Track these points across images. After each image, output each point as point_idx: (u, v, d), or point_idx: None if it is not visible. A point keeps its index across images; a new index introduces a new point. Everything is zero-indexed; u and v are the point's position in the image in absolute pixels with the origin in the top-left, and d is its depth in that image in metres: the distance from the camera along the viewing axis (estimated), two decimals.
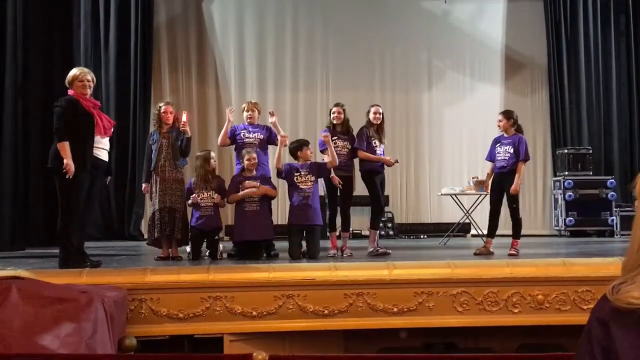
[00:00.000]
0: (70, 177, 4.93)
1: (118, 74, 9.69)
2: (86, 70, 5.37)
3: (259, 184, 6.07)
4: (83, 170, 5.04)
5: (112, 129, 5.48)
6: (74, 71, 5.32)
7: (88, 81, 5.23)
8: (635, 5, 10.37)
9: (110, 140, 5.45)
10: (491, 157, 6.55)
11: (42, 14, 8.58)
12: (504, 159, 6.34)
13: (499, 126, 6.49)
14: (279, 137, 6.34)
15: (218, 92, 10.35)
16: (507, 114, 6.52)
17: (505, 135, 6.45)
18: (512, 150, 6.33)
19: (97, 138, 5.20)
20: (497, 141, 6.51)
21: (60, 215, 5.08)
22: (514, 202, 6.35)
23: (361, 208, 8.74)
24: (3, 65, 7.60)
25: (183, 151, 6.16)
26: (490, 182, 6.58)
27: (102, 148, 5.31)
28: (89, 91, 5.25)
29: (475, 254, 6.25)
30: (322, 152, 6.47)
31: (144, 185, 6.32)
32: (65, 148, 4.96)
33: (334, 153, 6.21)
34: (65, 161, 4.92)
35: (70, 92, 5.22)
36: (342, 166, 6.44)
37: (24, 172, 7.94)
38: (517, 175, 6.31)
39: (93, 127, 5.16)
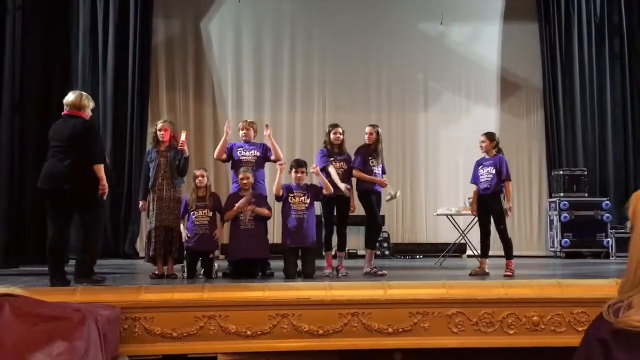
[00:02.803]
0: (105, 197, 5.31)
1: (116, 92, 9.73)
2: None
3: (253, 200, 6.07)
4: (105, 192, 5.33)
5: None
6: (87, 96, 5.51)
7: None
8: (629, 28, 10.48)
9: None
10: (475, 179, 6.57)
11: (41, 33, 8.62)
12: (487, 180, 6.37)
13: (481, 147, 6.53)
14: (277, 162, 6.34)
15: (215, 111, 10.40)
16: (490, 136, 6.57)
17: (487, 156, 6.49)
18: (494, 171, 6.36)
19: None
20: (479, 163, 6.54)
21: (86, 232, 5.36)
22: (501, 223, 6.36)
23: (357, 228, 8.73)
24: (1, 83, 7.63)
25: (181, 171, 6.18)
26: (475, 204, 6.60)
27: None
28: None
29: (470, 274, 6.25)
30: (322, 169, 6.48)
31: (140, 202, 6.32)
32: (101, 170, 5.22)
33: (327, 184, 6.23)
34: (102, 182, 5.19)
35: (83, 114, 5.37)
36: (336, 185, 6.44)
37: (18, 189, 7.92)
38: (508, 197, 6.35)
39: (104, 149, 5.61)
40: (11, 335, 3.47)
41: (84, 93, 5.56)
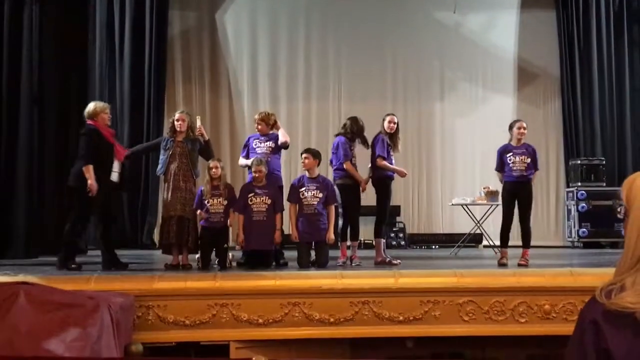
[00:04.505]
0: (93, 195, 5.70)
1: (132, 85, 9.81)
2: (107, 104, 6.32)
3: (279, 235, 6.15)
4: (100, 190, 5.76)
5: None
6: (100, 104, 6.17)
7: (110, 115, 6.17)
8: None
9: (122, 164, 6.18)
10: (502, 167, 6.47)
11: (58, 26, 8.70)
12: (521, 169, 6.30)
13: (523, 134, 6.41)
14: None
15: (231, 103, 10.44)
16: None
17: (514, 144, 6.42)
18: (529, 160, 6.32)
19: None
20: (507, 150, 6.40)
21: (71, 224, 5.92)
22: (528, 210, 6.35)
23: (372, 218, 8.73)
24: (19, 78, 7.72)
25: (207, 155, 6.41)
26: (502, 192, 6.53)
27: (114, 171, 6.02)
28: (109, 123, 6.18)
29: (502, 264, 6.13)
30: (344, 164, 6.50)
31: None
32: (90, 170, 5.71)
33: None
34: (89, 182, 5.67)
35: (94, 122, 5.96)
36: (351, 175, 6.46)
37: (38, 180, 8.04)
38: (532, 184, 6.34)
39: (112, 155, 5.96)
40: (26, 321, 3.56)
41: (96, 102, 6.27)
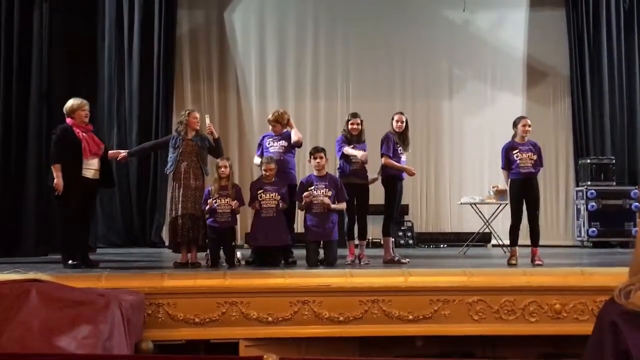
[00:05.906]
0: (59, 194, 5.74)
1: (141, 83, 9.83)
2: (85, 101, 6.14)
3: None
4: (72, 188, 5.76)
5: (102, 149, 6.13)
6: (77, 101, 6.04)
7: (88, 111, 6.07)
8: None
9: (100, 159, 6.08)
10: (509, 165, 6.42)
11: (67, 25, 8.73)
12: (529, 166, 6.29)
13: (528, 131, 6.39)
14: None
15: (239, 101, 10.44)
16: None
17: (519, 141, 6.39)
18: (535, 157, 6.31)
19: (84, 160, 5.87)
20: (513, 148, 6.36)
21: (66, 225, 6.04)
22: (537, 208, 6.33)
23: (381, 217, 8.72)
24: (29, 75, 7.76)
25: (217, 153, 6.42)
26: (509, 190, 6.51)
27: (88, 168, 5.94)
28: (87, 120, 6.05)
29: (511, 264, 6.10)
30: (341, 158, 6.50)
31: (122, 152, 6.63)
32: (57, 169, 5.77)
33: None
34: (55, 181, 5.75)
35: (68, 120, 5.95)
36: (358, 174, 6.46)
37: (47, 178, 8.07)
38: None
39: (81, 153, 5.85)
40: (38, 319, 3.58)
41: (74, 99, 6.10)
